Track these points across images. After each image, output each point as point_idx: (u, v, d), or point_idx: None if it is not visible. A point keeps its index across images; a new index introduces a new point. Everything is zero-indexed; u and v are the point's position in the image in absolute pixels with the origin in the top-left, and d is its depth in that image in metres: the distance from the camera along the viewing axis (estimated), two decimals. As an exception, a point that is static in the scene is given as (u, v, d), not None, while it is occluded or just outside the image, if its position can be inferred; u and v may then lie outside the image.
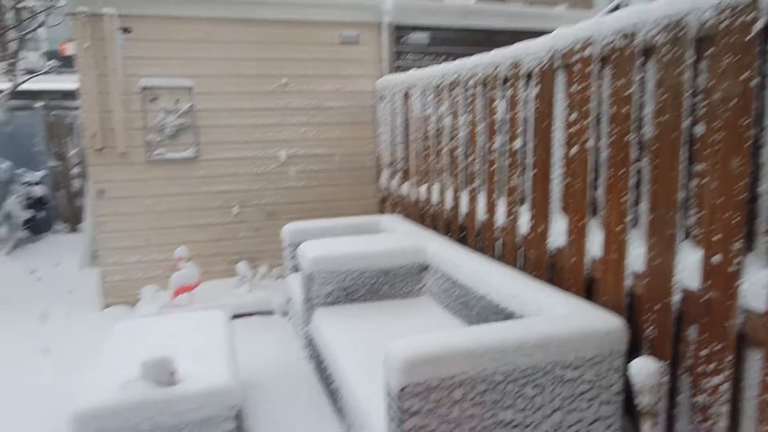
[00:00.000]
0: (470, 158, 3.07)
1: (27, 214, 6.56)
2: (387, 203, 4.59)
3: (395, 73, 4.53)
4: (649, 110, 1.85)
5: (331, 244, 3.13)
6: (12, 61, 5.30)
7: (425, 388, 1.64)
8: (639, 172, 1.92)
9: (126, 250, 4.24)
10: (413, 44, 4.71)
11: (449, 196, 3.36)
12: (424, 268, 3.15)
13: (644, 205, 1.89)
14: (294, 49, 4.42)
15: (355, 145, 4.70)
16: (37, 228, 6.91)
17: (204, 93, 4.26)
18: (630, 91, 1.90)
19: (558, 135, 2.31)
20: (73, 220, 7.42)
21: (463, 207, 3.16)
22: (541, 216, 2.42)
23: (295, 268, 3.80)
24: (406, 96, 3.98)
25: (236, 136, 4.38)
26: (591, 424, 1.85)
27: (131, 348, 2.44)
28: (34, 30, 5.72)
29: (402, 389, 1.62)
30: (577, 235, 2.20)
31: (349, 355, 2.42)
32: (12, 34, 5.51)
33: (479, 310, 2.52)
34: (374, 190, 4.80)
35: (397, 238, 3.27)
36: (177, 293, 3.92)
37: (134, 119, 4.13)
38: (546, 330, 1.77)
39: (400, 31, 4.64)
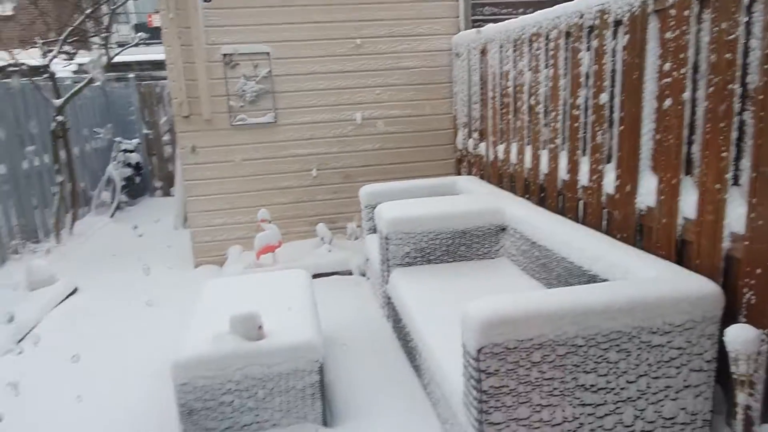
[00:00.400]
0: (552, 115, 2.93)
1: (125, 180, 7.06)
2: (464, 164, 4.52)
3: (472, 28, 4.37)
4: (756, 56, 1.68)
5: (408, 205, 3.14)
6: (105, 34, 5.61)
7: (503, 350, 1.63)
8: (742, 125, 1.76)
9: (212, 213, 4.48)
10: (491, -4, 4.51)
11: (528, 155, 3.25)
12: (501, 229, 3.10)
13: (746, 162, 1.74)
14: (369, 9, 4.37)
15: (431, 105, 4.63)
16: (134, 192, 7.44)
17: (281, 58, 4.33)
18: (734, 35, 1.72)
19: (649, 87, 2.15)
20: (166, 184, 7.91)
21: (544, 166, 3.05)
22: (628, 175, 2.29)
23: (373, 230, 3.86)
24: (483, 52, 3.84)
25: (313, 100, 4.44)
26: (679, 391, 1.77)
27: (221, 304, 2.59)
28: (124, 3, 6.00)
29: (479, 350, 1.63)
30: (669, 194, 2.06)
31: (426, 314, 2.44)
32: (104, 9, 5.82)
33: (560, 272, 2.46)
34: (451, 151, 4.73)
35: (474, 199, 3.23)
36: (260, 253, 4.11)
37: (217, 86, 4.28)
38: (632, 294, 1.70)
39: (476, -16, 4.45)
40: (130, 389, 2.72)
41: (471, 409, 1.74)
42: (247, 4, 4.20)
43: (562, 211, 2.90)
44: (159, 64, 8.70)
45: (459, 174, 4.67)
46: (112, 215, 6.47)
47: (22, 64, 5.23)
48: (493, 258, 3.13)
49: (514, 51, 3.33)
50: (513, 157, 3.46)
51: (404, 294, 2.74)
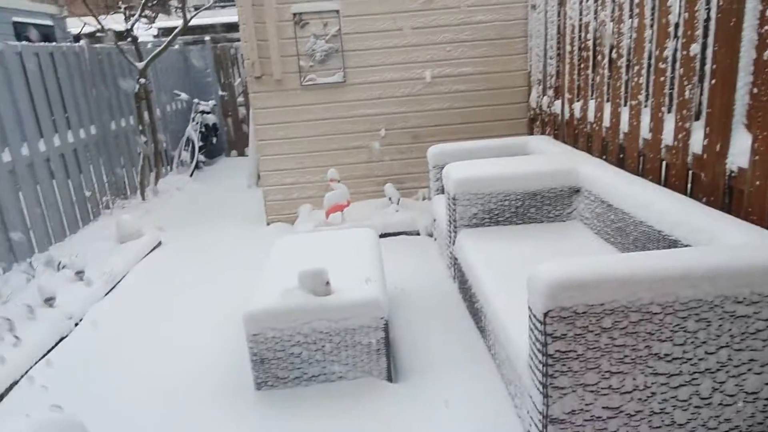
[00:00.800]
0: (635, 69, 2.73)
1: (203, 140, 7.35)
2: (537, 123, 4.35)
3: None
4: None
5: (476, 165, 3.07)
6: (182, -2, 5.76)
7: (572, 314, 1.58)
8: None
9: (283, 172, 4.59)
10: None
11: (608, 113, 3.07)
12: (575, 191, 2.97)
13: None
14: (439, -40, 4.21)
15: (504, 62, 4.45)
16: (211, 153, 7.75)
17: (350, 15, 4.28)
18: None
19: (748, 36, 1.94)
20: (241, 145, 8.18)
21: (624, 125, 2.87)
22: (719, 133, 2.11)
23: (440, 190, 3.82)
24: (562, 3, 3.61)
25: (382, 58, 4.38)
26: (765, 365, 1.66)
27: (291, 260, 2.68)
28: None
29: (546, 313, 1.59)
30: (766, 154, 1.88)
31: (493, 275, 2.41)
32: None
33: (637, 236, 2.33)
34: (523, 110, 4.55)
35: (547, 160, 3.11)
36: (330, 212, 4.19)
37: (287, 46, 4.32)
38: (716, 260, 1.58)
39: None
40: (206, 337, 2.90)
41: (536, 372, 1.71)
42: (316, -39, 4.16)
43: (642, 173, 2.73)
44: (234, 26, 8.87)
45: (531, 134, 4.50)
46: (191, 174, 6.79)
47: (109, 29, 5.49)
48: (564, 221, 3.02)
49: (596, 0, 3.11)
50: (590, 115, 3.28)
51: (471, 255, 2.71)
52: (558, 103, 3.81)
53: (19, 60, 4.13)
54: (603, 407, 1.68)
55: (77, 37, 5.28)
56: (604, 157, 3.15)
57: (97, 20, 5.22)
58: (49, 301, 3.11)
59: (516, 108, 4.54)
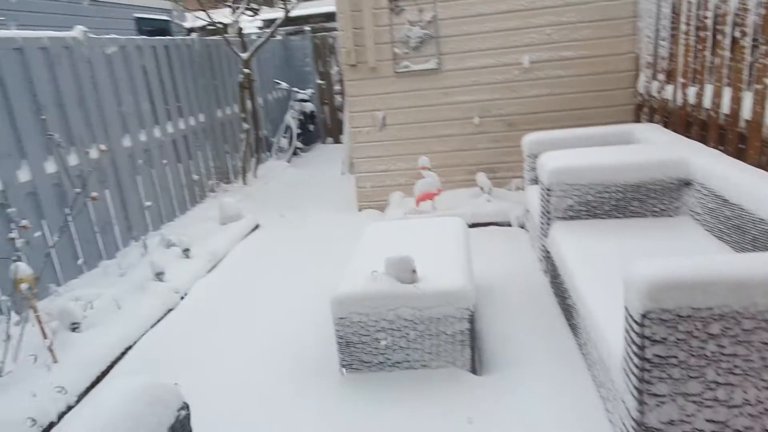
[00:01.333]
0: (762, 49, 2.45)
1: (301, 127, 7.61)
2: (644, 110, 4.04)
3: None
4: None
5: (574, 154, 2.91)
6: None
7: (674, 317, 1.46)
8: None
9: (375, 159, 4.64)
10: None
11: (727, 98, 2.78)
12: (685, 183, 2.73)
13: None
14: (541, -61, 4.02)
15: (609, 44, 4.17)
16: (308, 139, 8.01)
17: (446, 1, 4.21)
18: None
19: None
20: (337, 132, 8.38)
21: (746, 112, 2.58)
22: None
23: (535, 180, 3.67)
24: (678, -22, 3.31)
25: (477, 44, 4.27)
26: None
27: (379, 246, 2.70)
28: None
29: (644, 314, 1.47)
30: None
31: (588, 271, 2.28)
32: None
33: (756, 235, 2.10)
34: (629, 96, 4.26)
35: (653, 149, 2.88)
36: (420, 200, 4.18)
37: (382, 34, 4.33)
38: None
39: None
40: (297, 317, 3.01)
41: (631, 377, 1.60)
42: (413, -54, 4.12)
43: (765, 166, 2.45)
44: (333, 16, 9.05)
45: (638, 122, 4.19)
46: (288, 160, 7.07)
47: (218, 23, 5.82)
48: (671, 216, 2.79)
49: (718, -27, 2.82)
50: (707, 100, 3.00)
51: (564, 248, 2.58)
52: (669, 88, 3.52)
53: (139, 53, 4.49)
54: (706, 420, 1.53)
55: (190, 31, 5.66)
56: (720, 147, 2.87)
57: (207, 15, 5.53)
58: (159, 275, 3.38)
59: (621, 94, 4.25)
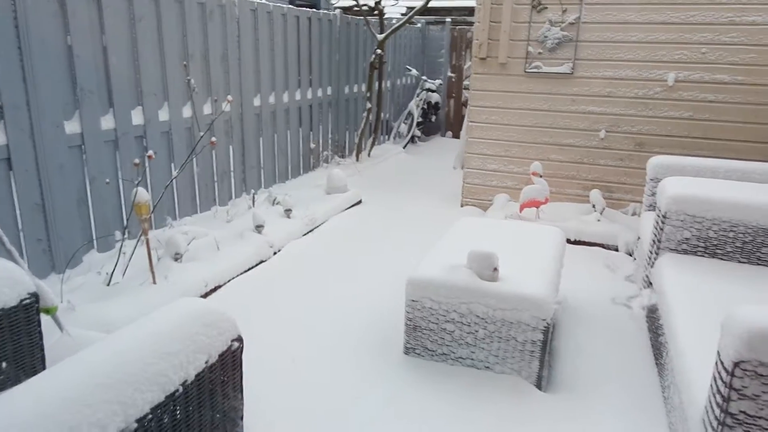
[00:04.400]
0: None
1: (423, 116, 7.64)
2: (802, 152, 3.55)
3: None
4: None
5: (702, 183, 2.63)
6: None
7: (773, 373, 1.27)
8: None
9: (487, 158, 4.53)
10: None
11: None
12: (833, 239, 2.36)
13: None
14: (716, -52, 3.64)
15: (775, 73, 3.70)
16: (428, 130, 8.02)
17: (594, 3, 3.97)
18: None
19: None
20: (458, 127, 8.30)
21: None
22: None
23: (653, 206, 3.38)
24: None
25: (619, 53, 3.99)
26: None
27: (468, 240, 2.64)
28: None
29: (737, 363, 1.30)
30: None
31: (689, 312, 2.06)
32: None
33: None
34: (787, 134, 3.75)
35: (801, 195, 2.52)
36: (524, 206, 4.02)
37: (519, 30, 4.20)
38: None
39: None
40: (375, 293, 3.04)
41: (709, 431, 1.42)
42: (569, -57, 3.93)
43: None
44: (474, 11, 8.94)
45: (792, 164, 3.69)
46: (404, 146, 7.13)
47: (364, 4, 5.98)
48: (808, 272, 2.43)
49: None
50: None
51: (669, 282, 2.35)
52: (839, 130, 3.05)
53: (283, 20, 4.75)
54: (792, 501, 1.32)
55: (337, 9, 5.93)
56: None
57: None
58: (258, 228, 3.58)
59: (778, 130, 3.77)
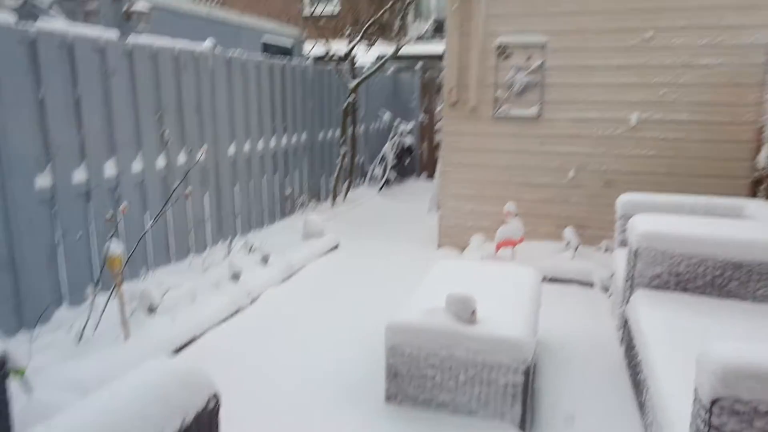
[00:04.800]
0: None
1: (397, 159, 7.75)
2: (762, 187, 3.70)
3: (806, 20, 3.50)
4: None
5: (670, 220, 2.71)
6: (400, 25, 6.18)
7: (749, 409, 1.29)
8: None
9: (462, 199, 4.60)
10: None
11: None
12: (797, 270, 2.44)
13: None
14: (667, -3, 3.87)
15: (730, 111, 3.89)
16: (403, 172, 8.12)
17: (556, 49, 4.15)
18: None
19: None
20: (432, 168, 8.43)
21: None
22: None
23: (625, 243, 3.45)
24: (817, 48, 3.04)
25: (583, 95, 4.15)
26: None
27: (445, 283, 2.65)
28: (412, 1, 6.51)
29: (714, 401, 1.31)
30: None
31: (666, 348, 2.08)
32: (400, 5, 6.43)
33: None
34: (746, 170, 3.91)
35: (764, 228, 2.61)
36: (500, 246, 4.07)
37: (486, 76, 4.35)
38: None
39: (824, -36, 3.54)
40: (354, 340, 3.01)
41: (692, 469, 1.42)
42: (530, -6, 4.13)
43: None
44: (443, 57, 9.25)
45: (754, 197, 3.83)
46: (380, 189, 7.20)
47: (336, 53, 6.14)
48: (776, 304, 2.49)
49: None
50: (835, 183, 2.68)
51: (644, 319, 2.38)
52: (794, 165, 3.20)
53: (257, 71, 4.83)
54: None
55: (309, 58, 6.07)
56: None
57: (325, 43, 5.86)
58: (235, 276, 3.53)
59: (737, 166, 3.92)
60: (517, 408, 2.13)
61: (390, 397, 2.32)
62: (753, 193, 3.85)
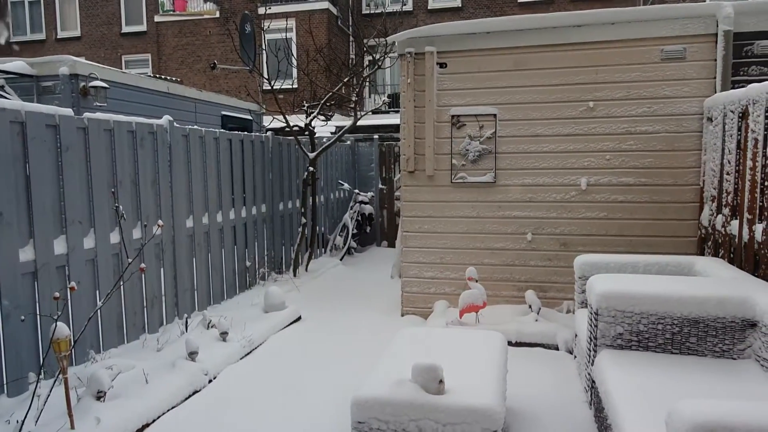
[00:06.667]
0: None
1: (357, 228, 7.78)
2: (708, 244, 3.86)
3: (732, 90, 3.80)
4: None
5: (626, 279, 2.78)
6: (356, 99, 6.39)
7: (721, 469, 1.27)
8: None
9: (423, 265, 4.61)
10: (762, 53, 3.89)
11: (796, 238, 2.61)
12: (750, 325, 2.51)
13: None
14: (604, 71, 4.15)
15: (672, 174, 4.11)
16: (364, 241, 8.14)
17: (507, 120, 4.35)
18: None
19: None
20: (392, 236, 8.48)
21: (817, 253, 2.41)
22: None
23: (585, 303, 3.50)
24: (744, 115, 3.29)
25: (534, 162, 4.33)
26: None
27: (410, 352, 2.60)
28: (371, 74, 6.79)
29: (687, 461, 1.30)
30: None
31: (633, 409, 2.07)
32: (356, 80, 6.68)
33: (830, 391, 1.86)
34: (692, 228, 4.10)
35: (715, 284, 2.70)
36: (464, 312, 4.05)
37: (442, 145, 4.49)
38: None
39: (740, 40, 3.90)
40: (321, 416, 2.87)
41: None
42: (479, 69, 4.37)
43: (842, 313, 2.23)
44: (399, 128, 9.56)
45: (702, 255, 3.99)
46: (341, 258, 7.16)
47: (294, 126, 6.25)
48: (734, 359, 2.54)
49: (784, 113, 2.78)
50: (774, 239, 2.83)
51: (610, 380, 2.38)
52: (735, 223, 3.37)
53: (215, 144, 4.85)
54: None
55: (268, 130, 6.18)
56: (791, 289, 2.65)
57: (284, 116, 5.98)
58: (192, 355, 3.37)
59: (684, 225, 4.11)
60: (491, 481, 2.05)
61: (358, 478, 2.20)
62: (701, 251, 4.01)
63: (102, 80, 6.27)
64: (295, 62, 7.12)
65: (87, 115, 3.49)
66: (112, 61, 17.09)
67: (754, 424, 1.27)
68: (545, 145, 4.30)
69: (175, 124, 4.27)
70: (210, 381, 3.34)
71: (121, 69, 14.41)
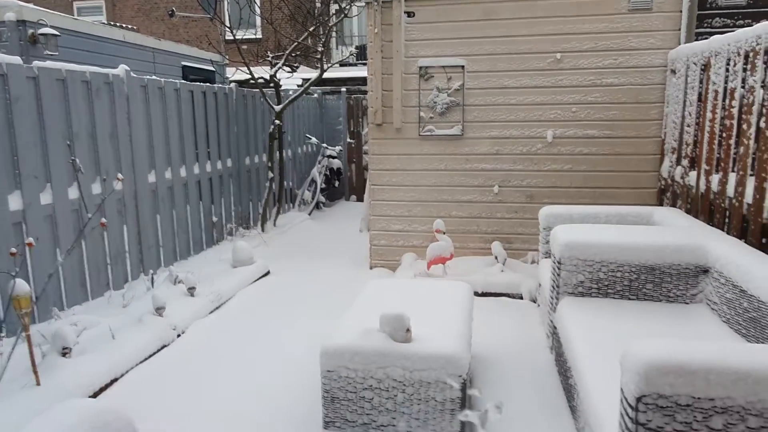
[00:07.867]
0: (785, 140, 2.40)
1: (326, 182, 7.72)
2: (667, 195, 3.98)
3: (695, 42, 3.84)
4: None
5: (588, 230, 2.85)
6: (322, 50, 6.22)
7: (671, 404, 1.35)
8: None
9: (392, 218, 4.63)
10: (726, 5, 3.92)
11: (750, 188, 2.71)
12: (703, 271, 2.62)
13: None
14: (573, 22, 4.13)
15: (635, 126, 4.18)
16: (332, 195, 8.10)
17: (474, 72, 4.31)
18: None
19: None
20: (361, 190, 8.46)
21: (768, 202, 2.50)
22: None
23: (548, 254, 3.59)
24: (706, 67, 3.34)
25: (502, 114, 4.33)
26: None
27: (378, 303, 2.64)
28: (337, 23, 6.59)
29: (640, 398, 1.37)
30: None
31: (592, 351, 2.16)
32: (322, 29, 6.47)
33: (773, 330, 1.98)
34: (652, 180, 4.20)
35: (672, 233, 2.80)
36: (432, 263, 4.12)
37: (410, 97, 4.44)
38: None
39: (706, -8, 3.91)
40: (289, 366, 2.92)
41: (624, 467, 1.47)
42: (448, 18, 4.29)
43: (788, 258, 2.34)
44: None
45: (660, 205, 4.11)
46: (309, 213, 7.13)
47: (259, 78, 6.06)
48: (687, 303, 2.67)
49: (745, 65, 2.82)
50: (730, 189, 2.93)
51: (570, 325, 2.47)
52: (693, 174, 3.47)
53: (176, 95, 4.68)
54: None
55: (231, 82, 5.97)
56: (745, 236, 2.77)
57: (248, 68, 5.78)
58: (159, 310, 3.35)
59: (645, 176, 4.21)
60: (456, 423, 2.13)
61: (328, 423, 2.26)
62: (660, 202, 4.13)
63: (52, 27, 5.92)
64: (258, 10, 6.84)
65: (37, 63, 3.30)
66: (63, 7, 16.12)
67: (701, 360, 1.34)
68: (513, 98, 4.30)
69: (132, 74, 4.09)
70: (178, 336, 3.34)
71: (73, 16, 13.62)
